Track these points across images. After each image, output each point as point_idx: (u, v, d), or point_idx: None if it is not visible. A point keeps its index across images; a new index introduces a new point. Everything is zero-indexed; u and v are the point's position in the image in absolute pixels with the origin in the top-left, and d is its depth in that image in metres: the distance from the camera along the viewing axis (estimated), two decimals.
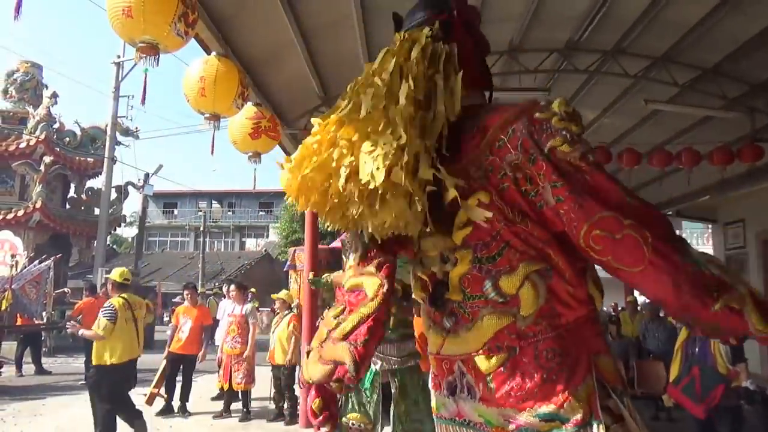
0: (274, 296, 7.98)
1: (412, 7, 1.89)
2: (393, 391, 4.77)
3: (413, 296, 1.79)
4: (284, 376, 7.04)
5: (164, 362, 7.51)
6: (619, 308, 13.79)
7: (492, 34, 7.35)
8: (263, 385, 7.95)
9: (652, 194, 10.84)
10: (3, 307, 9.64)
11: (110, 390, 5.52)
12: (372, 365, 4.58)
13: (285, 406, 7.02)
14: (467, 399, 1.61)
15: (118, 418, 5.55)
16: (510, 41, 7.39)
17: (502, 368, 1.51)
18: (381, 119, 1.50)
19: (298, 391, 6.96)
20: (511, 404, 1.48)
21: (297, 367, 7.10)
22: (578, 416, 1.39)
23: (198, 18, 4.33)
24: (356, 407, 4.74)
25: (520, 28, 7.00)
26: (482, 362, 1.54)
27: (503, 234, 1.49)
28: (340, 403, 4.69)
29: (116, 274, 6.00)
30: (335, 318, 1.72)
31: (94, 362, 5.53)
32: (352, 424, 4.70)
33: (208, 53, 5.56)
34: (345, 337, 1.60)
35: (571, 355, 1.45)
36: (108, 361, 5.43)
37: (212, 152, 5.65)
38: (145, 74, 4.48)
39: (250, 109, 6.57)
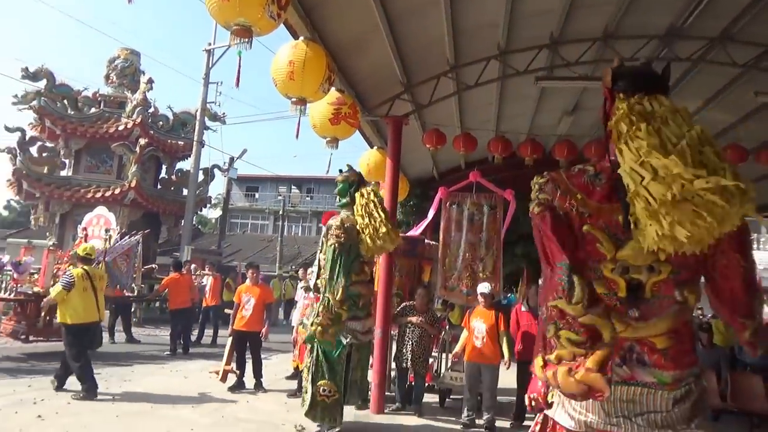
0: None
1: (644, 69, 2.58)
2: (354, 360, 5.68)
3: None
4: None
5: (230, 340, 7.77)
6: (708, 315, 12.90)
7: (584, 19, 7.07)
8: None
9: (759, 193, 10.03)
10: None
11: (68, 344, 6.61)
12: (343, 339, 5.50)
13: None
14: (641, 366, 2.43)
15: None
16: (604, 28, 7.02)
17: (676, 345, 2.41)
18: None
19: (370, 376, 7.00)
20: (679, 368, 2.40)
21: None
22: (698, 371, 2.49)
23: (290, 0, 4.37)
24: (326, 375, 5.47)
25: (616, 13, 6.62)
26: (661, 342, 2.40)
27: (692, 259, 2.24)
28: (310, 372, 5.53)
29: (80, 249, 7.21)
30: (573, 343, 2.31)
31: (59, 320, 6.73)
32: (323, 390, 5.45)
33: (296, 38, 5.62)
34: (599, 369, 2.23)
35: None
36: (68, 321, 6.58)
37: (297, 136, 5.73)
38: (239, 57, 4.58)
39: (332, 94, 6.60)
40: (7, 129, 16.87)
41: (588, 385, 2.22)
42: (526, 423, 6.53)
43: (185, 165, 19.48)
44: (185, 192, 18.78)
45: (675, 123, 2.11)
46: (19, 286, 9.61)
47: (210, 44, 18.95)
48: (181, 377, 8.22)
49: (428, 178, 13.75)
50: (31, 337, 9.30)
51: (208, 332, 12.34)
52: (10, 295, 9.54)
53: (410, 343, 6.84)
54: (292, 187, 46.15)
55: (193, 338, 11.66)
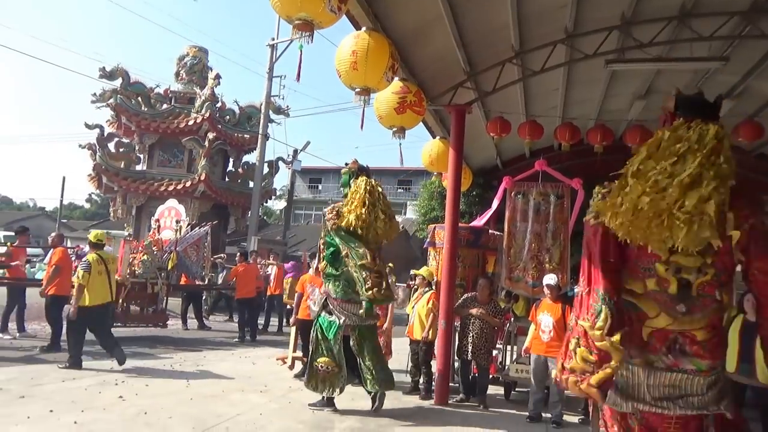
0: (415, 272, 8.05)
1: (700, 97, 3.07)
2: (352, 342, 5.97)
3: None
4: (422, 352, 7.09)
5: (293, 329, 7.90)
6: None
7: None
8: (399, 358, 8.11)
9: None
10: (170, 267, 10.77)
11: (85, 324, 7.17)
12: (336, 319, 5.91)
13: (421, 381, 7.08)
14: (683, 356, 2.91)
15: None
16: (681, 5, 6.63)
17: (713, 338, 2.91)
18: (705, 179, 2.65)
19: (434, 367, 6.98)
20: (714, 358, 2.91)
21: (435, 344, 7.10)
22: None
23: None
24: (325, 353, 5.92)
25: None
26: (701, 334, 2.89)
27: (730, 264, 2.90)
28: (311, 350, 6.04)
29: (92, 235, 7.66)
30: (585, 361, 3.02)
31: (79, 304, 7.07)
32: (322, 366, 5.91)
33: (358, 29, 5.63)
34: (598, 386, 3.04)
35: None
36: (86, 303, 7.05)
37: (362, 127, 5.79)
38: (301, 51, 4.65)
39: (396, 83, 6.58)
40: (87, 126, 17.85)
41: (587, 394, 3.04)
42: None
43: (251, 158, 20.02)
44: (251, 184, 19.29)
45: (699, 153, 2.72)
46: None
47: (273, 39, 19.31)
48: (249, 363, 8.49)
49: (491, 167, 13.52)
50: (115, 323, 9.83)
51: (274, 320, 12.70)
52: None
53: (471, 334, 6.76)
54: None
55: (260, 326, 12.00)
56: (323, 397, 6.05)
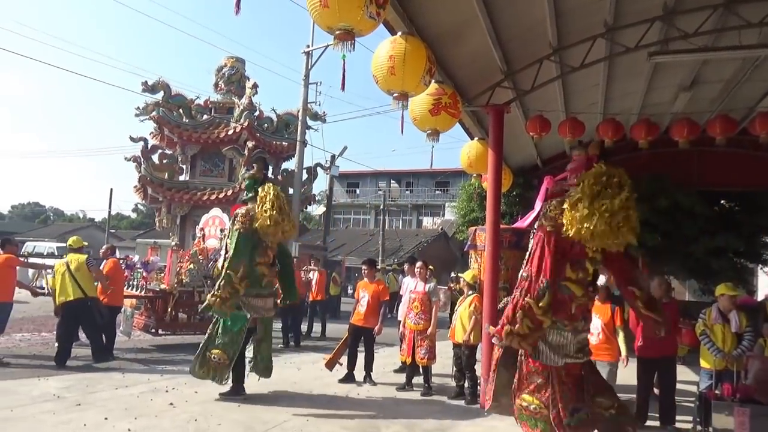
0: (461, 275, 7.98)
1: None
2: (258, 333, 6.63)
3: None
4: (464, 356, 7.01)
5: (347, 333, 7.95)
6: None
7: None
8: (442, 362, 8.04)
9: None
10: (214, 274, 10.96)
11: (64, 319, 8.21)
12: (246, 314, 6.38)
13: (465, 385, 7.00)
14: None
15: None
16: None
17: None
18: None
19: (479, 371, 6.89)
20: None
21: (479, 347, 7.02)
22: None
23: None
24: (219, 346, 6.33)
25: None
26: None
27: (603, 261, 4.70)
28: (207, 339, 6.44)
29: (69, 240, 8.87)
30: (528, 328, 4.37)
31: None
32: (214, 357, 6.32)
33: (393, 34, 5.62)
34: (531, 344, 4.50)
35: None
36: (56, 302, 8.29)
37: (402, 132, 5.83)
38: (344, 60, 4.69)
39: (431, 86, 6.53)
40: (132, 139, 18.37)
41: (523, 349, 4.37)
42: (649, 423, 6.14)
43: (290, 164, 20.24)
44: (291, 190, 19.51)
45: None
46: (148, 283, 10.46)
47: (308, 46, 19.51)
48: (294, 369, 8.57)
49: (531, 166, 13.31)
50: (160, 331, 10.11)
51: (317, 325, 12.78)
52: (140, 292, 10.39)
53: None
54: (392, 181, 46.63)
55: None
56: (227, 386, 6.57)
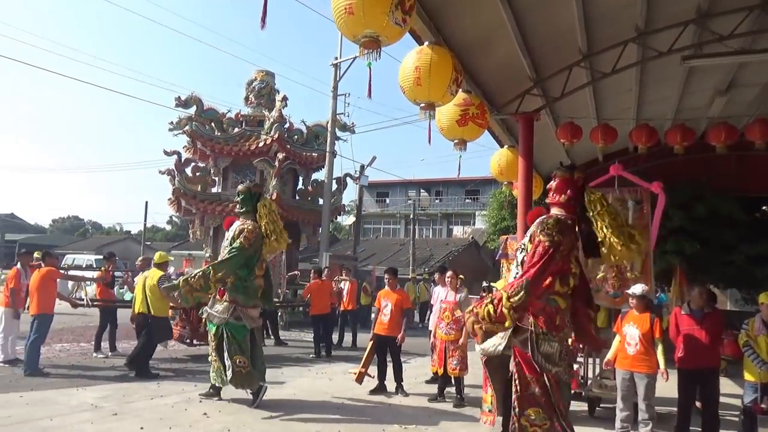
0: (493, 285, 7.90)
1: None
2: (254, 342, 6.84)
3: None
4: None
5: (370, 343, 7.94)
6: None
7: None
8: (476, 372, 7.93)
9: None
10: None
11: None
12: (247, 324, 6.70)
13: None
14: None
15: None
16: None
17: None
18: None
19: None
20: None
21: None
22: None
23: (415, 3, 4.38)
24: (239, 353, 6.63)
25: None
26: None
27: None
28: (226, 350, 6.63)
29: (155, 255, 9.14)
30: (489, 318, 4.44)
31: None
32: (239, 362, 6.60)
33: (420, 44, 5.63)
34: (490, 334, 4.63)
35: None
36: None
37: (429, 142, 5.90)
38: (370, 68, 4.69)
39: (458, 95, 6.51)
40: (166, 153, 18.79)
41: (475, 333, 4.51)
42: None
43: (320, 175, 20.39)
44: (321, 201, 19.65)
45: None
46: None
47: (336, 58, 19.70)
48: (326, 379, 8.58)
49: None
50: (194, 341, 10.25)
51: (348, 335, 12.79)
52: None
53: None
54: (421, 190, 46.58)
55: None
56: (211, 387, 6.94)
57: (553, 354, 4.43)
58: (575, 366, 6.88)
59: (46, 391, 6.96)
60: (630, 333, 5.82)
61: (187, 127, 18.05)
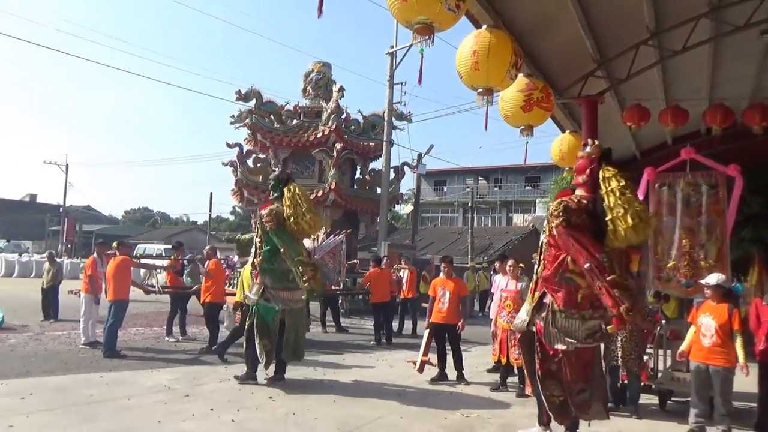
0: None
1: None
2: (287, 323, 7.05)
3: None
4: None
5: (426, 332, 7.93)
6: None
7: None
8: None
9: None
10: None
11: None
12: (275, 306, 6.99)
13: None
14: (595, 309, 4.80)
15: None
16: None
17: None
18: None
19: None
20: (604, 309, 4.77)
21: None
22: None
23: None
24: (264, 335, 6.97)
25: None
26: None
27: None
28: (255, 333, 6.99)
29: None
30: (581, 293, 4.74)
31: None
32: (266, 345, 6.95)
33: (478, 27, 5.53)
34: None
35: None
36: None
37: (486, 128, 5.73)
38: (422, 55, 4.67)
39: (521, 81, 6.37)
40: (228, 145, 19.39)
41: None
42: None
43: (377, 165, 20.50)
44: (379, 190, 19.75)
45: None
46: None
47: (392, 47, 19.65)
48: (386, 366, 8.66)
49: (628, 158, 12.60)
50: None
51: (408, 323, 12.85)
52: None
53: (620, 339, 6.31)
54: (480, 178, 46.00)
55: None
56: (247, 372, 7.14)
57: (573, 331, 4.67)
58: (645, 357, 6.65)
59: (124, 372, 7.37)
60: (705, 324, 5.54)
61: (247, 120, 18.52)
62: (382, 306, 11.40)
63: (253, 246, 7.36)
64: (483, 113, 5.85)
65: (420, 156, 22.03)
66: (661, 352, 7.10)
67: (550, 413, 4.85)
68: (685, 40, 6.84)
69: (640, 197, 8.00)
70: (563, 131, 9.02)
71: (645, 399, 6.60)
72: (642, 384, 6.52)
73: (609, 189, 4.61)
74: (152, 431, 4.99)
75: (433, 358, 7.84)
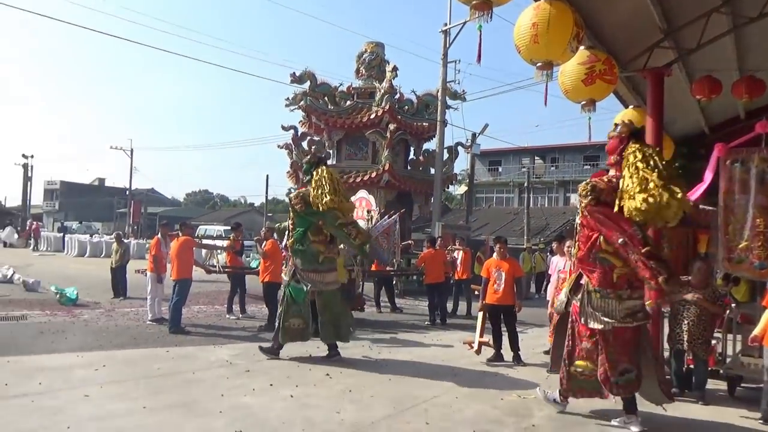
0: None
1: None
2: (318, 304, 7.18)
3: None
4: None
5: (480, 314, 7.86)
6: None
7: None
8: None
9: None
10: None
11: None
12: (304, 286, 7.15)
13: None
14: (633, 289, 4.85)
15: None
16: None
17: None
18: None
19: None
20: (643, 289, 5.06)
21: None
22: None
23: None
24: (295, 314, 7.15)
25: None
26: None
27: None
28: (282, 313, 7.19)
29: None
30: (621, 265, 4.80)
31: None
32: (293, 324, 7.14)
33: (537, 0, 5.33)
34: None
35: None
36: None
37: (545, 103, 5.55)
38: (480, 31, 4.56)
39: (582, 53, 6.12)
40: (283, 128, 19.68)
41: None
42: None
43: (431, 145, 20.34)
44: (432, 171, 19.63)
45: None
46: None
47: (446, 24, 19.33)
48: (441, 347, 8.66)
49: (696, 134, 11.97)
50: None
51: (463, 304, 12.79)
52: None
53: (686, 322, 6.06)
54: (536, 157, 44.94)
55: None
56: (273, 345, 7.28)
57: (611, 311, 4.74)
58: (713, 342, 6.37)
59: (188, 347, 7.69)
60: None
61: (302, 102, 18.70)
62: (436, 287, 11.39)
63: (286, 229, 7.57)
64: (541, 90, 5.71)
65: (474, 135, 21.75)
66: (730, 336, 6.77)
67: (567, 386, 5.08)
68: (762, 5, 6.37)
69: (710, 175, 7.62)
70: (626, 107, 8.64)
71: (712, 384, 6.33)
72: (709, 369, 6.25)
73: (627, 164, 4.67)
74: (215, 404, 5.18)
75: (488, 338, 7.78)
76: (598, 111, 6.68)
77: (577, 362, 4.94)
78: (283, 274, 7.53)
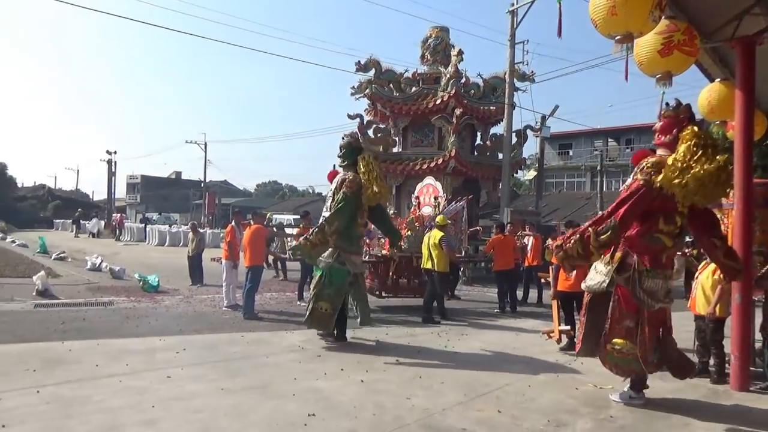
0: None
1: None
2: (356, 288, 7.38)
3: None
4: (709, 330, 6.18)
5: (554, 302, 7.70)
6: None
7: None
8: (677, 335, 7.21)
9: None
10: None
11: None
12: (349, 268, 7.23)
13: (711, 362, 6.18)
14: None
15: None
16: None
17: None
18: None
19: (727, 347, 6.02)
20: None
21: (727, 321, 6.14)
22: None
23: None
24: (326, 298, 7.10)
25: None
26: None
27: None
28: (315, 293, 7.21)
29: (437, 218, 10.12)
30: (602, 246, 4.80)
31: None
32: (322, 308, 7.09)
33: None
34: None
35: None
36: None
37: (626, 78, 5.37)
38: (560, 4, 4.41)
39: (660, 24, 5.72)
40: (349, 117, 19.79)
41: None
42: None
43: (498, 129, 19.90)
44: (500, 156, 19.21)
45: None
46: (371, 249, 11.23)
47: (513, 5, 18.77)
48: (512, 334, 8.48)
49: None
50: (383, 293, 10.82)
51: (533, 292, 12.48)
52: (365, 257, 11.20)
53: None
54: (609, 139, 43.12)
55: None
56: (324, 333, 7.41)
57: (657, 291, 4.83)
58: None
59: (262, 332, 7.92)
60: None
61: (367, 90, 18.72)
62: (505, 274, 11.14)
63: (326, 208, 7.57)
64: (614, 68, 5.50)
65: (544, 118, 21.09)
66: None
67: (614, 369, 5.20)
68: None
69: None
70: (711, 80, 8.06)
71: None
72: None
73: (680, 144, 4.66)
74: (289, 387, 5.30)
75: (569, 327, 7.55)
76: (678, 87, 6.30)
77: (615, 339, 4.99)
78: (321, 257, 7.44)
